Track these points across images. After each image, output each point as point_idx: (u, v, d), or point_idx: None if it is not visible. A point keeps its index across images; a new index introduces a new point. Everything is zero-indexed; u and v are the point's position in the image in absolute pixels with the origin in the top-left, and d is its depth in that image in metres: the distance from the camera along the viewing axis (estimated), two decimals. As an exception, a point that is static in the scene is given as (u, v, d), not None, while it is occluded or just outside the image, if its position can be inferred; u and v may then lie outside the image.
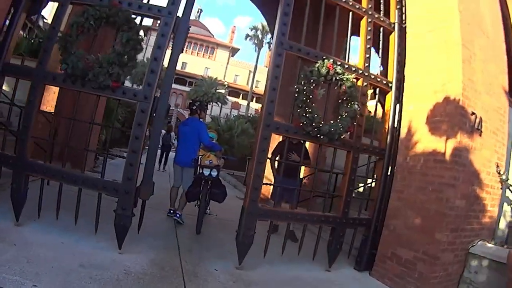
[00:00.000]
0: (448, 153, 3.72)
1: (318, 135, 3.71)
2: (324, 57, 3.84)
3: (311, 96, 3.67)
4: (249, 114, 25.30)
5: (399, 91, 4.42)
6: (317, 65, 3.74)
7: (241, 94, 48.70)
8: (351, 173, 4.17)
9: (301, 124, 3.66)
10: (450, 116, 3.80)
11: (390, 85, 4.46)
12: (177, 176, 5.13)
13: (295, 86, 3.65)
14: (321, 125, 3.70)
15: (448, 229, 3.67)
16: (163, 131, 12.55)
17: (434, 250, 3.63)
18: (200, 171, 4.68)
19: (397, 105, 4.41)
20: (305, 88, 3.60)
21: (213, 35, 54.30)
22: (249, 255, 3.56)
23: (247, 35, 41.30)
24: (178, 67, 47.00)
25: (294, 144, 4.77)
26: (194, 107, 5.14)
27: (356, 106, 3.90)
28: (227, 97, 42.24)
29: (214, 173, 4.65)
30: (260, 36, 40.49)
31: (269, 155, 4.00)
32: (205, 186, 4.66)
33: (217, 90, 40.28)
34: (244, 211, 3.53)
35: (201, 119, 5.28)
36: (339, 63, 3.94)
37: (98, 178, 3.32)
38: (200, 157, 4.84)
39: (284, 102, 4.79)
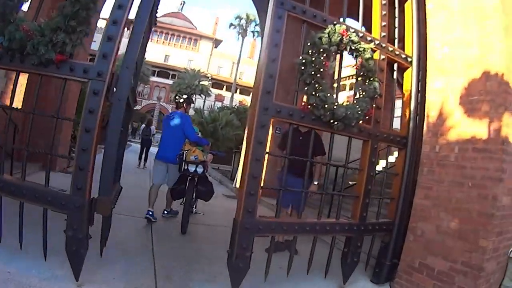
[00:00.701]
0: (493, 140, 2.96)
1: (332, 121, 2.89)
2: (334, 22, 3.01)
3: (321, 70, 2.83)
4: (233, 106, 24.26)
5: (421, 66, 3.63)
6: (328, 30, 2.90)
7: (225, 86, 47.73)
8: (370, 168, 3.38)
9: (309, 106, 2.83)
10: (493, 95, 3.03)
11: (409, 59, 3.67)
12: (159, 173, 4.74)
13: (301, 57, 2.81)
14: (335, 107, 2.87)
15: (494, 233, 2.94)
16: (143, 125, 11.77)
17: (478, 260, 2.89)
18: (185, 167, 4.35)
19: (419, 83, 3.63)
20: (313, 59, 2.76)
21: (195, 27, 52.82)
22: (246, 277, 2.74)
23: (231, 24, 40.02)
24: (161, 60, 46.30)
25: (303, 134, 3.93)
26: (181, 101, 4.86)
27: (376, 83, 3.09)
28: (211, 89, 41.18)
29: (200, 170, 4.35)
30: (244, 25, 39.34)
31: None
32: (190, 183, 4.39)
33: (201, 82, 39.30)
34: (237, 226, 2.62)
35: (186, 113, 4.95)
36: (352, 30, 3.12)
37: (41, 188, 2.41)
38: (185, 152, 4.48)
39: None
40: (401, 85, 3.92)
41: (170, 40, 49.15)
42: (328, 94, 2.85)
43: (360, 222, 3.35)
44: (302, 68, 2.80)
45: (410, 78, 3.68)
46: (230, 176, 11.08)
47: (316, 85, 2.81)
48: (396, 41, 3.75)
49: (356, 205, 3.42)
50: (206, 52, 49.76)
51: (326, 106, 2.82)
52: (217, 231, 4.60)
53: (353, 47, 2.99)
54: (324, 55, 2.82)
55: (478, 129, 3.05)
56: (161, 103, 41.72)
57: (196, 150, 4.59)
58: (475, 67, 3.19)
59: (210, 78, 43.87)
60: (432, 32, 3.65)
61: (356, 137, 3.25)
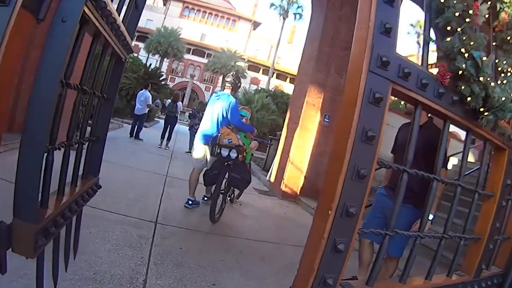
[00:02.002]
0: None
1: (483, 109, 1.50)
2: None
3: (470, 13, 1.43)
4: (270, 89, 22.77)
5: None
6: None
7: (261, 69, 46.40)
8: (503, 194, 1.96)
9: (447, 78, 1.42)
10: None
11: None
12: (199, 156, 4.41)
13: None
14: (492, 84, 1.48)
15: None
16: (168, 100, 10.70)
17: None
18: (218, 151, 3.97)
19: None
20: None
21: (234, 8, 51.42)
22: None
23: (272, 4, 38.10)
24: (197, 38, 45.66)
25: (421, 128, 2.21)
26: (229, 81, 4.54)
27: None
28: (247, 71, 40.00)
29: (234, 154, 3.93)
30: (286, 7, 37.38)
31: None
32: (224, 169, 4.00)
33: (236, 63, 38.23)
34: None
35: (234, 95, 4.51)
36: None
37: None
38: (219, 135, 4.09)
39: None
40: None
41: (207, 18, 48.26)
42: (484, 58, 1.46)
43: (475, 278, 1.97)
44: (437, 13, 1.39)
45: None
46: (263, 166, 9.80)
47: (464, 38, 1.41)
48: None
49: (474, 252, 2.01)
50: (244, 33, 48.38)
51: (480, 78, 1.42)
52: (237, 246, 3.35)
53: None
54: None
55: None
56: (194, 81, 41.21)
57: (231, 133, 4.13)
58: None
59: (246, 60, 42.85)
60: None
61: (494, 141, 1.81)
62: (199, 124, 9.81)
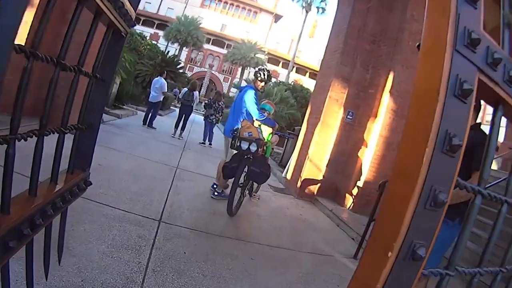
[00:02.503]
0: None
1: None
2: None
3: None
4: (289, 83, 22.27)
5: None
6: None
7: (281, 63, 45.87)
8: None
9: None
10: None
11: None
12: (225, 148, 4.69)
13: None
14: None
15: None
16: (185, 89, 10.41)
17: None
18: (238, 144, 3.97)
19: None
20: None
21: (256, 0, 50.82)
22: None
23: (295, -4, 37.28)
24: (217, 29, 45.38)
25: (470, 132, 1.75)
26: (260, 75, 4.46)
27: None
28: (266, 63, 39.44)
29: (254, 148, 3.90)
30: (309, 0, 36.53)
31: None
32: (242, 162, 3.95)
33: (256, 55, 37.84)
34: None
35: (258, 89, 4.49)
36: None
37: None
38: (239, 128, 4.13)
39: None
40: None
41: (228, 9, 47.93)
42: None
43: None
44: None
45: None
46: (279, 161, 9.43)
47: None
48: None
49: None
50: (265, 25, 47.79)
51: None
52: (249, 250, 3.04)
53: None
54: None
55: None
56: (212, 71, 41.08)
57: (252, 126, 4.12)
58: None
59: (266, 52, 42.44)
60: None
61: None
62: (214, 115, 9.60)
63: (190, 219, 3.46)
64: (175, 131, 9.51)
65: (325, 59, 6.92)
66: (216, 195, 4.46)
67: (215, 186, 4.61)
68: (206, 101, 9.97)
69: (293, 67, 39.95)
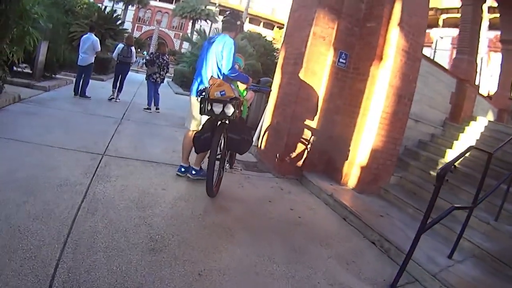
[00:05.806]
0: None
1: None
2: None
3: None
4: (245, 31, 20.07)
5: None
6: None
7: (234, 14, 43.20)
8: None
9: None
10: None
11: None
12: (190, 114, 3.69)
13: None
14: None
15: None
16: (120, 44, 8.41)
17: None
18: (209, 107, 3.14)
19: None
20: None
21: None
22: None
23: None
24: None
25: None
26: (229, 22, 3.62)
27: None
28: (218, 16, 36.56)
29: (229, 110, 3.14)
30: None
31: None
32: (217, 130, 3.22)
33: (207, 7, 35.11)
34: None
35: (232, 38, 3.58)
36: None
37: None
38: (207, 87, 3.19)
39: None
40: None
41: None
42: None
43: None
44: None
45: None
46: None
47: None
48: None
49: None
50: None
51: None
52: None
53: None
54: None
55: None
56: (161, 28, 37.74)
57: (224, 83, 3.20)
58: None
59: (217, 4, 39.54)
60: None
61: None
62: (159, 73, 7.61)
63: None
64: (113, 92, 8.09)
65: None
66: (194, 174, 3.63)
67: (183, 169, 3.68)
68: (147, 58, 8.05)
69: (247, 17, 37.32)
